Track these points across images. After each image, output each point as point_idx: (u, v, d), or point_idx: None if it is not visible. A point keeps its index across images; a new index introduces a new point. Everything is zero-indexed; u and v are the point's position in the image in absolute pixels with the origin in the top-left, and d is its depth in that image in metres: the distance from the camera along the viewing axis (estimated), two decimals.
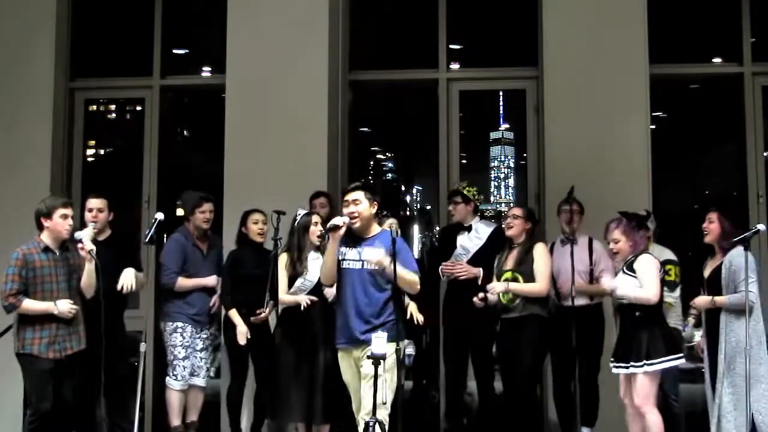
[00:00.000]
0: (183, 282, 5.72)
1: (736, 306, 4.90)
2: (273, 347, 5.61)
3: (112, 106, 8.31)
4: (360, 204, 4.56)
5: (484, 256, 5.78)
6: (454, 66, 7.29)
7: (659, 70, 6.69)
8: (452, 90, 7.16)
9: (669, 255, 5.68)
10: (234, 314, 5.67)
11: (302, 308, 5.34)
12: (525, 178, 7.34)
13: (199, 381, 5.77)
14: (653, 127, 6.75)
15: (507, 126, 9.87)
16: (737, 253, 4.94)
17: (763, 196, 6.71)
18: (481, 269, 5.74)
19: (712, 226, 5.12)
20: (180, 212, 6.28)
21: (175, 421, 5.70)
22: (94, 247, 4.93)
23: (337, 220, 4.49)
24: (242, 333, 5.61)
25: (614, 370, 5.08)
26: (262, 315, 5.57)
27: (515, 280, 5.48)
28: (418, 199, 9.84)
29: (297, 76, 6.66)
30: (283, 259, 5.50)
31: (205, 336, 5.79)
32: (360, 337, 4.55)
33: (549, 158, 6.56)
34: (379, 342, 4.20)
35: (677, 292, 5.64)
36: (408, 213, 9.70)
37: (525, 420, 5.49)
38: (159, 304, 5.98)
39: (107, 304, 5.10)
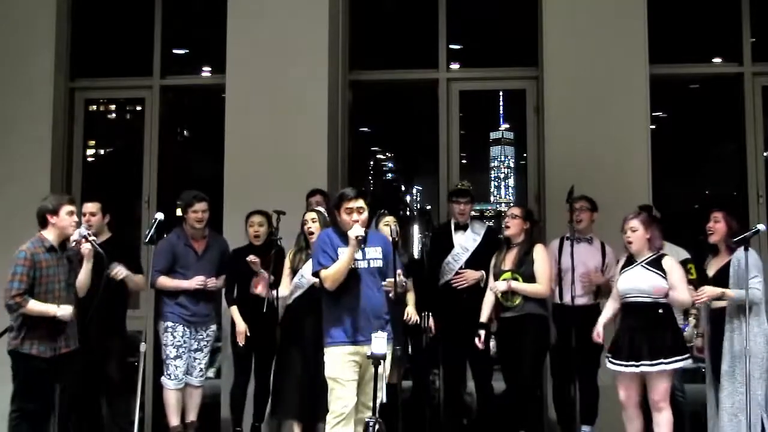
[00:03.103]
0: (163, 282, 5.71)
1: (744, 301, 4.81)
2: (274, 346, 5.63)
3: (112, 106, 8.29)
4: (364, 212, 4.72)
5: (483, 254, 5.78)
6: (454, 66, 7.29)
7: (659, 70, 6.70)
8: (452, 90, 7.16)
9: (684, 254, 5.68)
10: (233, 311, 5.74)
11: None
12: (525, 178, 7.33)
13: (193, 380, 5.75)
14: (653, 127, 6.75)
15: (507, 126, 9.85)
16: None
17: (763, 196, 6.71)
18: (483, 272, 5.75)
19: (718, 226, 5.08)
20: (180, 212, 6.27)
21: (174, 420, 5.69)
22: (95, 237, 4.99)
23: (360, 231, 4.59)
24: (240, 333, 5.66)
25: (631, 369, 4.93)
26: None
27: (515, 280, 5.47)
28: (418, 199, 9.81)
29: (297, 76, 6.66)
30: (288, 256, 5.63)
31: (201, 336, 5.78)
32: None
33: (549, 158, 6.57)
34: (380, 342, 4.20)
35: None
36: (408, 213, 9.68)
37: (526, 418, 5.49)
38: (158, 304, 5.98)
39: (107, 303, 5.18)
